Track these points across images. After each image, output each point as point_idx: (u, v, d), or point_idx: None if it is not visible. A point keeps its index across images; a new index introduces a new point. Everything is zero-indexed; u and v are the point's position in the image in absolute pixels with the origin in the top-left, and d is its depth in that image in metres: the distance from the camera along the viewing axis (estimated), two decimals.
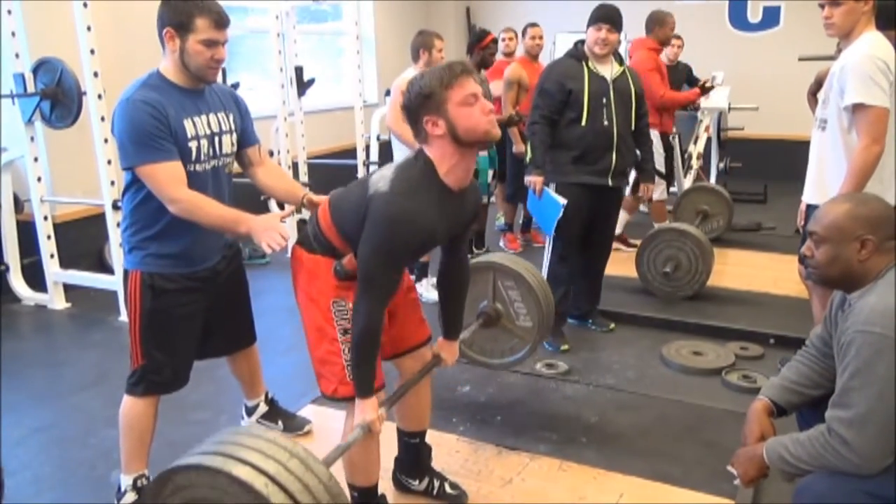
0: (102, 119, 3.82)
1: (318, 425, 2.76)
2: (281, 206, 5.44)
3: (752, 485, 1.86)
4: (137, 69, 2.22)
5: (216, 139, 2.18)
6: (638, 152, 3.56)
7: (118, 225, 3.76)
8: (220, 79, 2.33)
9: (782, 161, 6.76)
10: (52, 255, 4.27)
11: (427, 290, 4.04)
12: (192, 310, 2.23)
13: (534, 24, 5.06)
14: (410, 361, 2.17)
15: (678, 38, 6.02)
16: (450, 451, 2.59)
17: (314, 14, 7.29)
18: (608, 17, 3.31)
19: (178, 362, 2.25)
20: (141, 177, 2.04)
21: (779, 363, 3.12)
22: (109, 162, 3.86)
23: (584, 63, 3.33)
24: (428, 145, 1.83)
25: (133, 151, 2.02)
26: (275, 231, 1.96)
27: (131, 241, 2.17)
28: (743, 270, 4.76)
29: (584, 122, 3.31)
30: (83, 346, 3.80)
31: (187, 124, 2.08)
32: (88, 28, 3.72)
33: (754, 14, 7.56)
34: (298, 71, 5.41)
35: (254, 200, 4.25)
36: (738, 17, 7.62)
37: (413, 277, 3.64)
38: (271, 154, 5.02)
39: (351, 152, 5.70)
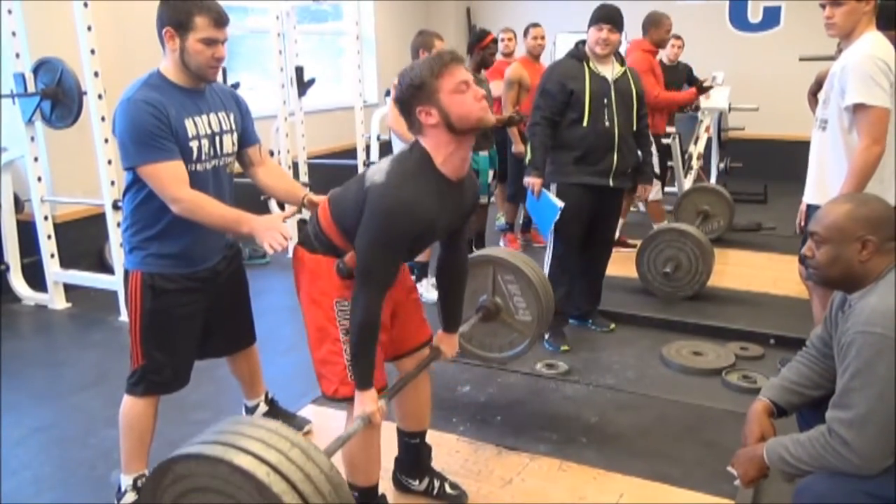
0: (103, 119, 3.82)
1: (319, 425, 2.76)
2: (281, 206, 5.48)
3: (752, 485, 1.86)
4: (138, 69, 2.22)
5: (217, 139, 2.18)
6: (639, 153, 3.56)
7: (118, 225, 3.76)
8: (220, 78, 2.33)
9: (782, 161, 6.76)
10: (52, 255, 4.27)
11: (427, 290, 4.04)
12: (193, 310, 2.23)
13: (536, 25, 5.07)
14: (411, 362, 2.17)
15: (678, 38, 6.02)
16: (450, 451, 2.59)
17: (314, 14, 7.29)
18: (609, 18, 3.31)
19: (178, 362, 2.25)
20: (143, 177, 2.04)
21: (779, 363, 3.12)
22: (110, 162, 3.86)
23: (585, 63, 3.33)
24: (423, 136, 1.83)
25: (134, 151, 2.02)
26: (276, 231, 1.96)
27: (132, 242, 2.17)
28: (743, 270, 4.76)
29: (585, 123, 3.31)
30: (83, 346, 3.80)
31: (188, 124, 2.08)
32: (89, 28, 3.72)
33: (755, 14, 7.56)
34: (299, 71, 5.41)
35: (254, 200, 4.25)
36: (738, 17, 7.62)
37: (413, 278, 3.64)
38: (272, 154, 5.02)
39: (351, 152, 5.70)
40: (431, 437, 2.38)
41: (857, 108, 2.50)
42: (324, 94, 6.73)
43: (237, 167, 2.33)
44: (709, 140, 6.24)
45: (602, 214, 3.51)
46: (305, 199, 2.23)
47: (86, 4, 3.70)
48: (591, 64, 3.34)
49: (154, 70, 2.12)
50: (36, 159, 4.17)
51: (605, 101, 3.32)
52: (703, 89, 5.26)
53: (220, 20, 2.08)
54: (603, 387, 3.14)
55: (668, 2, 6.98)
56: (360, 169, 5.47)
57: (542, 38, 5.04)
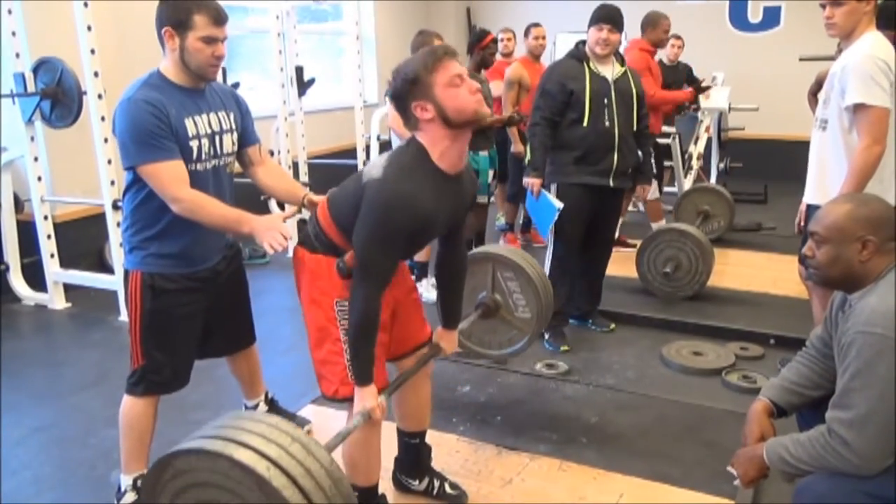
0: (103, 119, 3.82)
1: (318, 425, 2.75)
2: (281, 206, 5.48)
3: (752, 485, 1.86)
4: (138, 69, 2.22)
5: (217, 138, 2.18)
6: (639, 153, 3.56)
7: (118, 225, 3.77)
8: (220, 78, 2.33)
9: (782, 161, 6.76)
10: (52, 255, 4.27)
11: (427, 290, 4.03)
12: (193, 310, 2.22)
13: (537, 25, 5.07)
14: (412, 362, 2.16)
15: (678, 38, 6.02)
16: (450, 451, 2.59)
17: (314, 14, 7.29)
18: (609, 18, 3.31)
19: (178, 362, 2.25)
20: (143, 176, 2.04)
21: (779, 363, 3.12)
22: (110, 161, 3.86)
23: (585, 63, 3.33)
24: (419, 131, 1.83)
25: (135, 151, 2.02)
26: (276, 231, 1.96)
27: (132, 241, 2.17)
28: (743, 270, 4.76)
29: (585, 123, 3.31)
30: (83, 345, 3.79)
31: (188, 123, 2.08)
32: (89, 28, 3.72)
33: (755, 14, 7.56)
34: (299, 71, 5.41)
35: (254, 200, 4.25)
36: (738, 17, 7.62)
37: (413, 277, 3.64)
38: (271, 154, 5.02)
39: (351, 152, 5.70)
40: (431, 437, 2.38)
41: (858, 108, 2.50)
42: (324, 93, 6.73)
43: (237, 167, 2.33)
44: (709, 140, 6.24)
45: (602, 214, 3.51)
46: (305, 199, 2.23)
47: (86, 4, 3.70)
48: (591, 64, 3.34)
49: (154, 70, 2.12)
50: (36, 159, 4.17)
51: (606, 101, 3.32)
52: (699, 89, 5.26)
53: (220, 18, 2.08)
54: (603, 387, 3.14)
55: (668, 2, 6.98)
56: (360, 169, 5.47)
57: (543, 38, 5.04)
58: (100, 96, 3.80)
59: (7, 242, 4.31)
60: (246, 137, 2.31)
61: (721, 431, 2.70)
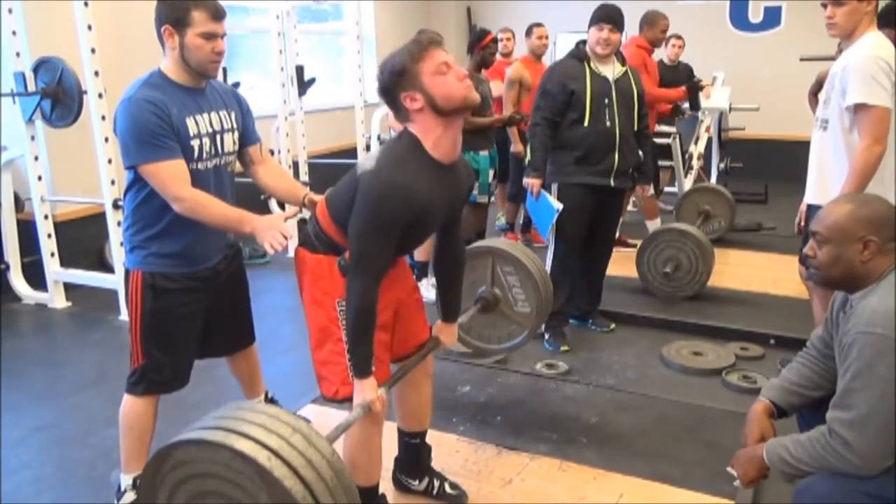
0: (103, 118, 3.82)
1: (319, 425, 2.70)
2: (282, 206, 5.48)
3: (753, 486, 1.86)
4: (138, 68, 2.22)
5: (218, 137, 2.18)
6: (640, 153, 3.56)
7: (118, 224, 3.77)
8: (220, 77, 2.33)
9: (783, 161, 6.76)
10: (52, 254, 4.27)
11: (427, 290, 4.03)
12: (193, 309, 2.22)
13: (539, 24, 5.06)
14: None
15: (679, 38, 6.02)
16: (450, 451, 2.59)
17: (315, 14, 7.29)
18: (610, 17, 3.31)
19: (178, 362, 2.25)
20: (144, 175, 2.04)
21: (779, 364, 3.12)
22: (110, 161, 3.86)
23: (585, 63, 3.33)
24: (411, 122, 1.83)
25: (136, 150, 2.02)
26: (277, 231, 1.96)
27: (133, 241, 2.17)
28: (743, 271, 4.76)
29: (586, 123, 3.30)
30: (83, 345, 3.80)
31: (189, 122, 2.08)
32: (89, 27, 3.72)
33: (755, 14, 7.55)
34: (299, 70, 5.41)
35: (254, 200, 4.25)
36: (739, 17, 7.62)
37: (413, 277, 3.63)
38: (272, 153, 5.01)
39: (351, 152, 5.70)
40: (431, 436, 2.38)
41: (859, 108, 2.49)
42: (324, 93, 6.73)
43: (238, 166, 2.33)
44: (709, 140, 6.24)
45: (603, 214, 3.51)
46: (306, 198, 2.23)
47: (86, 4, 3.70)
48: (591, 64, 3.33)
49: (155, 69, 2.12)
50: (36, 158, 4.17)
51: (606, 101, 3.32)
52: (692, 88, 5.26)
53: (218, 14, 2.08)
54: (603, 387, 3.14)
55: (668, 2, 6.97)
56: None
57: (546, 37, 5.04)
58: (100, 95, 3.80)
59: (7, 241, 4.31)
60: (247, 137, 2.31)
61: (721, 431, 2.70)
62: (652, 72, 4.91)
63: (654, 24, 4.78)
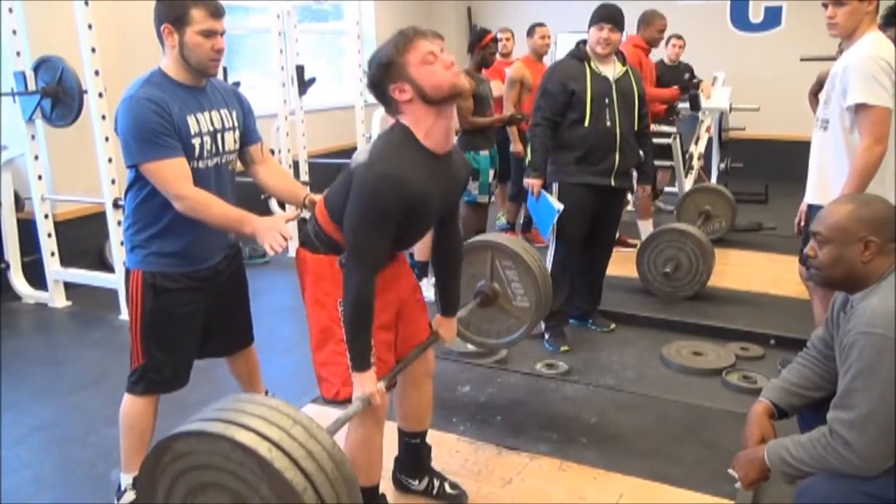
0: (103, 117, 3.82)
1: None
2: (282, 206, 5.48)
3: (753, 487, 1.86)
4: (138, 68, 2.22)
5: (219, 136, 2.18)
6: (640, 153, 3.56)
7: (119, 223, 3.77)
8: (220, 76, 2.33)
9: (783, 161, 6.76)
10: (52, 254, 4.27)
11: (427, 289, 4.03)
12: (193, 309, 2.22)
13: (541, 24, 5.06)
14: (416, 363, 2.16)
15: (679, 38, 6.01)
16: (450, 451, 2.59)
17: (315, 13, 7.29)
18: (610, 17, 3.31)
19: (178, 362, 2.25)
20: (146, 174, 2.04)
21: (779, 364, 3.12)
22: (110, 160, 3.86)
23: (586, 63, 3.33)
24: (402, 114, 1.84)
25: (137, 149, 2.02)
26: (277, 232, 1.96)
27: (133, 240, 2.17)
28: (743, 271, 4.76)
29: (587, 123, 3.30)
30: (83, 344, 3.80)
31: (190, 121, 2.08)
32: (89, 26, 3.72)
33: (756, 14, 7.55)
34: (299, 70, 5.41)
35: (254, 199, 4.25)
36: (739, 17, 7.61)
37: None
38: (272, 153, 5.01)
39: (351, 152, 5.58)
40: (431, 436, 2.38)
41: (859, 108, 2.49)
42: (324, 93, 6.73)
43: (238, 165, 2.33)
44: (709, 140, 6.24)
45: (603, 214, 3.51)
46: (306, 199, 2.23)
47: (86, 3, 3.70)
48: (592, 64, 3.33)
49: (155, 68, 2.12)
50: (36, 158, 4.17)
51: (607, 101, 3.32)
52: (686, 87, 5.26)
53: (217, 11, 2.08)
54: (603, 387, 3.14)
55: (668, 2, 6.97)
56: None
57: (548, 37, 5.04)
58: (100, 95, 3.80)
59: (7, 241, 4.31)
60: (248, 136, 2.30)
61: (721, 432, 2.70)
62: (648, 71, 4.91)
63: (650, 24, 4.77)
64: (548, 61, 4.93)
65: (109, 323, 4.00)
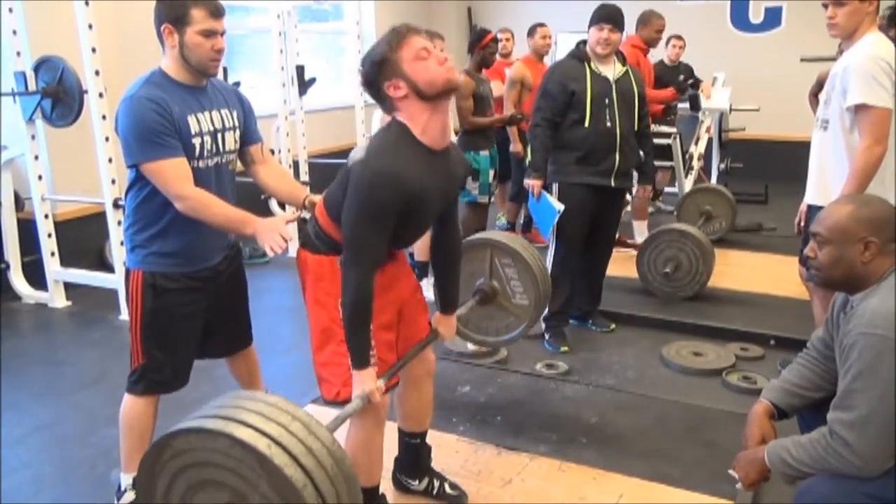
0: (104, 117, 3.82)
1: None
2: (282, 206, 5.48)
3: (754, 488, 1.86)
4: (138, 68, 2.22)
5: (219, 136, 2.18)
6: (640, 153, 3.56)
7: (119, 223, 3.77)
8: (220, 76, 2.33)
9: (783, 162, 6.75)
10: (52, 254, 4.27)
11: (427, 289, 4.02)
12: (194, 309, 2.22)
13: (542, 24, 5.06)
14: (416, 363, 2.16)
15: (679, 38, 6.01)
16: (450, 452, 2.59)
17: (315, 13, 7.29)
18: (610, 17, 3.31)
19: (178, 362, 2.25)
20: (146, 174, 2.04)
21: (779, 364, 3.12)
22: (110, 160, 3.86)
23: (586, 64, 3.33)
24: (397, 111, 1.84)
25: (137, 148, 2.02)
26: (277, 233, 1.97)
27: (134, 240, 2.17)
28: (743, 271, 4.76)
29: (587, 124, 3.30)
30: (83, 344, 3.80)
31: (191, 120, 2.08)
32: (90, 26, 3.72)
33: (756, 14, 7.55)
34: (299, 70, 5.41)
35: (254, 199, 4.25)
36: (739, 18, 7.61)
37: None
38: (272, 153, 5.01)
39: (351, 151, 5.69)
40: (431, 437, 2.38)
41: (860, 109, 2.49)
42: (324, 93, 6.73)
43: (239, 165, 2.33)
44: (710, 140, 6.24)
45: (603, 215, 3.51)
46: (306, 200, 2.23)
47: (87, 3, 3.70)
48: (592, 64, 3.33)
49: (156, 68, 2.12)
50: (36, 157, 4.17)
51: (607, 101, 3.32)
52: (682, 88, 5.26)
53: (217, 11, 2.08)
54: (603, 387, 3.14)
55: (669, 2, 6.97)
56: None
57: (549, 37, 5.04)
58: (101, 95, 3.80)
59: (8, 241, 4.31)
60: (248, 136, 2.30)
61: (721, 432, 2.70)
62: (646, 72, 4.91)
63: (648, 24, 4.77)
64: (548, 61, 4.93)
65: (109, 323, 4.00)
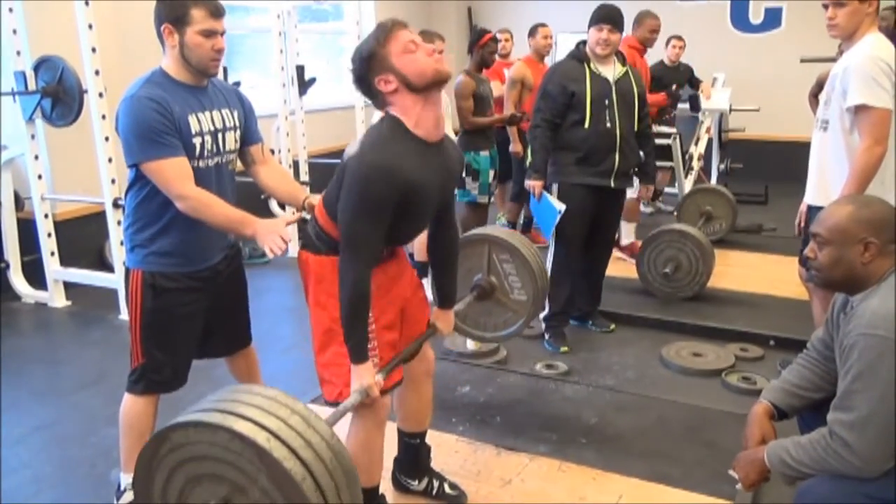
0: (103, 117, 3.82)
1: None
2: (282, 206, 5.48)
3: (753, 488, 1.86)
4: (138, 67, 2.22)
5: (219, 136, 2.18)
6: (641, 153, 3.56)
7: (119, 223, 3.77)
8: (220, 76, 2.33)
9: (783, 162, 6.76)
10: (52, 253, 4.27)
11: (427, 290, 4.03)
12: (193, 309, 2.22)
13: (543, 24, 5.06)
14: (415, 363, 2.16)
15: (679, 38, 6.01)
16: (449, 452, 2.59)
17: (315, 13, 7.29)
18: (609, 18, 3.31)
19: (178, 362, 2.25)
20: (147, 173, 2.04)
21: (779, 365, 3.12)
22: (110, 160, 3.86)
23: (585, 64, 3.33)
24: (389, 105, 1.85)
25: (138, 148, 2.01)
26: (277, 235, 1.97)
27: (133, 240, 2.17)
28: (743, 272, 4.76)
29: (587, 125, 3.30)
30: (83, 344, 3.80)
31: (191, 120, 2.08)
32: (90, 26, 3.72)
33: (756, 15, 7.55)
34: (299, 70, 5.41)
35: (254, 199, 4.25)
36: (739, 18, 7.61)
37: None
38: (272, 153, 5.01)
39: None
40: (431, 437, 2.38)
41: (859, 109, 2.49)
42: (324, 93, 6.73)
43: (239, 165, 2.33)
44: (709, 141, 6.24)
45: (603, 215, 3.51)
46: (306, 201, 2.23)
47: (87, 3, 3.70)
48: (591, 65, 3.33)
49: (156, 68, 2.12)
50: (36, 157, 4.17)
51: (607, 102, 3.31)
52: (675, 97, 5.28)
53: (217, 11, 2.08)
54: (602, 387, 3.14)
55: (669, 2, 6.98)
56: None
57: (550, 37, 5.04)
58: (101, 95, 3.80)
59: (7, 240, 4.31)
60: (249, 136, 2.30)
61: (721, 432, 2.70)
62: (643, 72, 4.90)
63: (641, 24, 4.76)
64: (548, 62, 4.93)
65: (109, 323, 4.00)
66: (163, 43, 2.09)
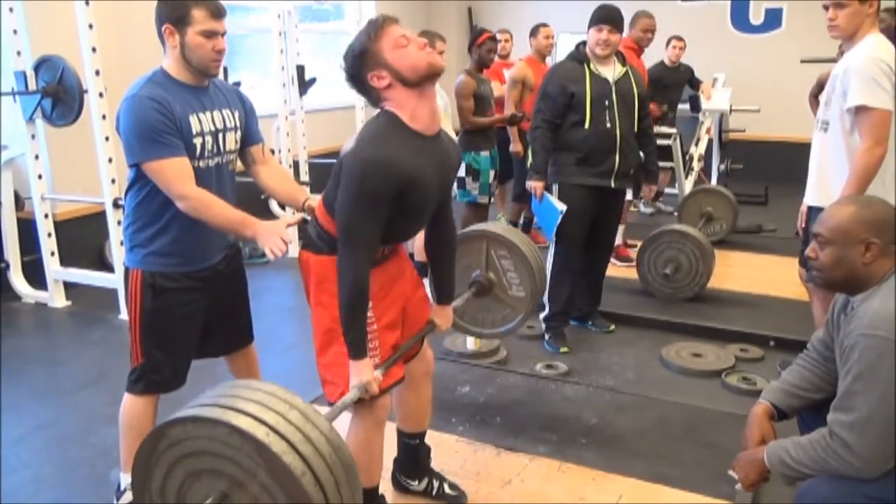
0: (104, 117, 3.82)
1: None
2: (282, 207, 5.48)
3: (753, 488, 1.86)
4: (139, 67, 2.22)
5: (220, 136, 2.18)
6: (641, 153, 3.56)
7: (119, 223, 3.77)
8: (221, 76, 2.33)
9: (783, 163, 6.76)
10: (52, 253, 4.27)
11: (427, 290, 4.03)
12: (193, 309, 2.22)
13: (544, 24, 5.05)
14: (414, 363, 2.16)
15: (680, 39, 6.01)
16: (449, 452, 2.59)
17: (316, 13, 7.29)
18: (609, 18, 3.31)
19: (177, 361, 2.25)
20: (148, 173, 2.04)
21: (779, 365, 3.12)
22: (110, 160, 3.86)
23: (585, 65, 3.33)
24: (384, 101, 1.85)
25: (139, 147, 2.01)
26: (278, 237, 1.96)
27: (133, 239, 2.17)
28: (743, 272, 4.76)
29: (587, 125, 3.30)
30: (83, 343, 3.80)
31: (192, 120, 2.08)
32: (90, 26, 3.72)
33: (756, 15, 7.54)
34: (300, 70, 5.41)
35: (255, 199, 4.25)
36: (739, 19, 7.61)
37: None
38: (272, 153, 5.01)
39: None
40: (431, 437, 2.38)
41: (860, 110, 2.49)
42: (325, 93, 6.72)
43: (239, 165, 2.33)
44: (710, 141, 6.24)
45: (603, 216, 3.51)
46: (306, 203, 2.22)
47: (87, 3, 3.70)
48: (591, 65, 3.33)
49: (157, 68, 2.12)
50: (37, 157, 4.17)
51: (607, 102, 3.31)
52: (664, 113, 5.31)
53: (218, 12, 2.08)
54: (602, 388, 3.14)
55: (669, 2, 6.98)
56: None
57: (552, 37, 5.03)
58: (101, 95, 3.80)
59: (7, 240, 4.31)
60: (249, 136, 2.30)
61: (721, 433, 2.70)
62: (640, 73, 4.90)
63: (635, 24, 4.74)
64: (549, 62, 4.93)
65: (109, 323, 4.00)
66: (164, 43, 2.09)
